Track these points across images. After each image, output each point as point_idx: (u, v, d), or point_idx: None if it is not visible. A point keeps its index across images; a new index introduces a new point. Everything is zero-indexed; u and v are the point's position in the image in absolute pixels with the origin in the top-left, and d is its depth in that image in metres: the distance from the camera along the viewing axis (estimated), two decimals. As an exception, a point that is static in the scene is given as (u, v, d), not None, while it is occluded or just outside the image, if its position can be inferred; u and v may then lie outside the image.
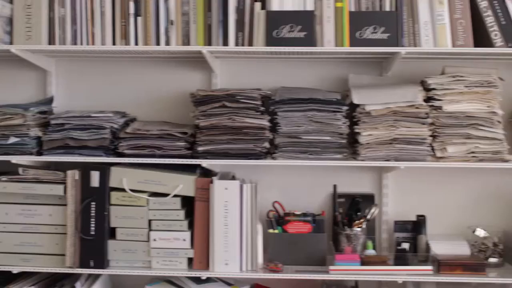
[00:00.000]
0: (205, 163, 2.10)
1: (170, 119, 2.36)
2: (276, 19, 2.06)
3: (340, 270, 2.09)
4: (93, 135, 2.15)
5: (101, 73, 2.41)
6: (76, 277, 2.30)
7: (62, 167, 2.19)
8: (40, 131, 2.19)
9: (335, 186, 2.28)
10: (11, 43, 2.15)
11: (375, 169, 2.35)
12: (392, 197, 2.35)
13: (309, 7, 2.07)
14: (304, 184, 2.37)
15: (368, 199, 2.32)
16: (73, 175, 2.11)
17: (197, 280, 2.18)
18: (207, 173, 2.24)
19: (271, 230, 2.19)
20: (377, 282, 2.33)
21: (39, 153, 2.18)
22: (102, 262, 2.12)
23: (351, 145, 2.17)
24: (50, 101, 2.36)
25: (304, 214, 2.21)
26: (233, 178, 2.26)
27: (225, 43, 2.11)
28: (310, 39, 2.05)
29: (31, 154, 2.16)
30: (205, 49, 2.08)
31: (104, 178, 2.12)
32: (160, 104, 2.39)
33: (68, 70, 2.41)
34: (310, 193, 2.37)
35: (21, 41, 2.14)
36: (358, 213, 2.21)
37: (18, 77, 2.42)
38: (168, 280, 2.23)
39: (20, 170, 2.18)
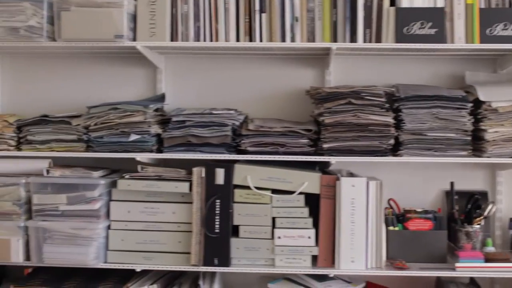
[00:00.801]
0: (333, 160, 2.09)
1: (280, 116, 2.35)
2: (406, 16, 2.06)
3: (466, 267, 2.08)
4: (215, 132, 2.14)
5: (210, 70, 2.40)
6: (189, 275, 2.30)
7: (174, 164, 2.18)
8: (160, 128, 2.18)
9: (452, 184, 2.27)
10: (134, 39, 2.13)
11: (488, 166, 2.35)
12: (506, 195, 2.34)
13: (439, 3, 2.06)
14: (416, 181, 2.37)
15: (482, 197, 2.31)
16: (199, 173, 2.10)
17: (318, 277, 2.17)
18: (323, 171, 2.23)
19: (391, 228, 2.19)
20: (490, 279, 2.33)
21: (159, 151, 2.17)
22: (226, 260, 2.11)
23: (473, 142, 2.16)
24: (162, 98, 2.34)
25: (425, 211, 2.20)
26: (351, 175, 2.25)
27: (353, 39, 2.10)
28: (440, 36, 2.05)
29: (151, 151, 2.15)
30: (334, 46, 2.07)
31: (228, 175, 2.10)
32: (270, 101, 2.38)
33: (177, 67, 2.40)
34: (422, 190, 2.37)
35: (144, 38, 2.12)
36: (478, 210, 2.21)
37: (128, 74, 2.41)
38: (287, 278, 2.23)
39: (139, 167, 2.17)
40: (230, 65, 2.38)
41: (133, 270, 2.16)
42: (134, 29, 2.13)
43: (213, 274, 2.26)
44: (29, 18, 2.07)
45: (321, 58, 2.34)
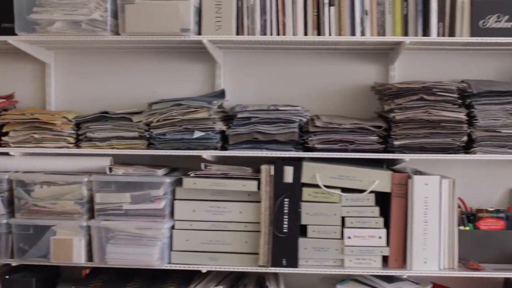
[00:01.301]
0: (406, 157, 2.03)
1: (341, 113, 2.29)
2: (482, 9, 1.99)
3: (543, 268, 2.03)
4: (282, 129, 2.07)
5: (269, 65, 2.33)
6: (252, 276, 2.24)
7: (231, 162, 2.12)
8: (224, 125, 2.11)
9: (522, 181, 2.22)
10: (199, 33, 2.07)
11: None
12: None
13: (515, -4, 2.00)
14: (482, 179, 2.30)
15: (550, 195, 2.26)
16: (268, 171, 2.04)
17: (386, 278, 2.11)
18: (391, 169, 2.17)
19: (461, 227, 2.13)
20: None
21: (223, 148, 2.11)
22: (294, 261, 2.05)
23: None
24: (222, 94, 2.28)
25: (497, 211, 2.14)
26: (419, 173, 2.19)
27: (425, 33, 2.04)
28: (518, 30, 1.99)
29: (215, 149, 2.09)
30: (408, 40, 2.01)
31: (297, 173, 2.04)
32: (330, 97, 2.32)
33: (236, 62, 2.33)
34: (489, 188, 2.31)
35: (210, 32, 2.06)
36: (551, 209, 2.15)
37: (186, 69, 2.35)
38: (355, 279, 2.17)
39: (203, 165, 2.11)
40: (290, 60, 2.32)
41: (193, 271, 2.10)
42: (199, 23, 2.06)
43: (276, 275, 2.21)
44: (92, 11, 2.00)
45: (385, 53, 2.27)
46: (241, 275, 2.24)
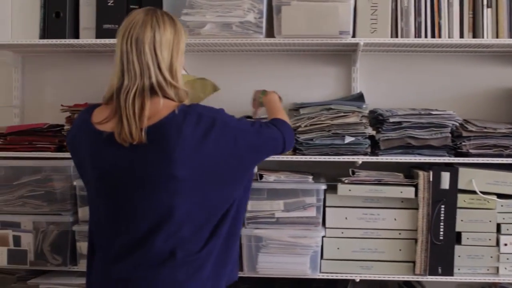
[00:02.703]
0: None
1: (479, 116, 2.23)
2: None
3: None
4: (434, 133, 2.02)
5: (405, 68, 2.27)
6: (393, 283, 2.20)
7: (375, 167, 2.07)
8: (373, 130, 2.06)
9: None
10: (353, 36, 2.01)
11: None
12: None
13: None
14: None
15: None
16: (427, 177, 1.98)
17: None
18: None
19: None
20: None
21: (373, 153, 2.05)
22: (450, 269, 2.00)
23: None
24: (361, 97, 2.22)
25: None
26: None
27: None
28: None
29: (365, 154, 2.03)
30: None
31: (454, 179, 1.99)
32: (468, 100, 2.26)
33: (371, 65, 2.27)
34: None
35: (365, 34, 2.00)
36: None
37: (321, 73, 2.28)
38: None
39: (351, 171, 2.05)
40: (429, 62, 2.25)
41: (332, 280, 2.06)
42: (353, 25, 2.00)
43: (419, 282, 2.16)
44: (246, 13, 1.94)
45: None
46: (382, 284, 2.19)
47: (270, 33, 2.03)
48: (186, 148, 1.30)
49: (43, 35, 2.10)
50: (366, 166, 2.07)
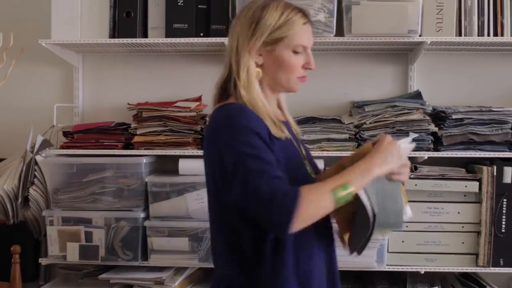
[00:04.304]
0: None
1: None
2: None
3: None
4: (495, 129, 2.08)
5: (464, 66, 2.31)
6: (450, 276, 2.26)
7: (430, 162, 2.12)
8: (435, 126, 2.11)
9: None
10: (420, 35, 2.06)
11: None
12: None
13: None
14: None
15: None
16: (490, 172, 2.04)
17: None
18: None
19: None
20: None
21: (436, 149, 2.11)
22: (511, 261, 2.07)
23: None
24: (418, 95, 2.27)
25: None
26: None
27: None
28: None
29: (428, 150, 2.09)
30: None
31: (516, 174, 2.06)
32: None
33: (427, 63, 2.31)
34: None
35: (431, 33, 2.05)
36: None
37: (380, 71, 2.33)
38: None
39: (413, 166, 2.11)
40: (489, 61, 2.29)
41: (392, 273, 2.13)
42: (420, 24, 2.05)
43: (476, 274, 2.22)
44: (317, 12, 1.98)
45: None
46: (441, 276, 2.25)
47: (338, 32, 2.07)
48: None
49: (112, 35, 2.13)
50: (426, 161, 2.13)
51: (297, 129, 1.52)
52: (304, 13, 1.41)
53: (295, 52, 1.39)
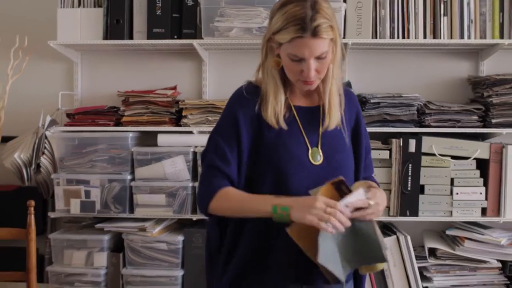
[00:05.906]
0: (504, 131, 2.64)
1: (440, 99, 2.89)
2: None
3: None
4: (404, 111, 2.68)
5: (381, 62, 2.90)
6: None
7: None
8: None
9: None
10: (344, 37, 2.65)
11: None
12: None
13: None
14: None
15: None
16: (398, 143, 2.64)
17: (482, 226, 2.75)
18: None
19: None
20: None
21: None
22: (416, 212, 2.67)
23: None
24: (348, 85, 2.86)
25: None
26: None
27: (515, 37, 2.67)
28: None
29: (352, 127, 2.68)
30: (507, 42, 2.62)
31: (418, 145, 2.65)
32: (432, 88, 2.91)
33: (352, 61, 2.91)
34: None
35: (352, 36, 2.64)
36: None
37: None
38: (457, 227, 2.80)
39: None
40: (401, 58, 2.89)
41: None
42: (344, 29, 2.65)
43: (391, 223, 2.82)
44: (263, 20, 2.57)
45: (475, 52, 2.87)
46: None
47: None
48: None
49: (105, 37, 2.72)
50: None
51: (333, 117, 1.58)
52: (304, 27, 1.40)
53: (292, 60, 1.45)
